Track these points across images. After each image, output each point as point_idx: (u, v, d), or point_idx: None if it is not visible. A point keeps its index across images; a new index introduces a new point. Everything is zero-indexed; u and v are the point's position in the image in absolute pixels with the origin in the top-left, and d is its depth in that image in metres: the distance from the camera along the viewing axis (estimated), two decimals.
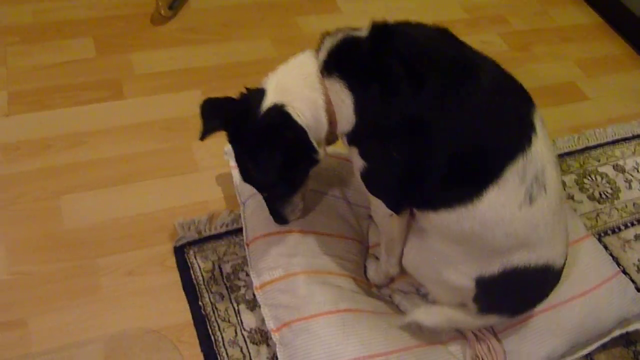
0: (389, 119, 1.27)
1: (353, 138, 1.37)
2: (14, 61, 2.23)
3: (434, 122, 1.25)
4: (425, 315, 1.49)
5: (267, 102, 1.34)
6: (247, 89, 1.41)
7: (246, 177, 1.46)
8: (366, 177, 1.39)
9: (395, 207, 1.42)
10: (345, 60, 1.32)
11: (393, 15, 2.73)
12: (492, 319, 1.48)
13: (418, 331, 1.55)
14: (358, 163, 1.38)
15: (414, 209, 1.44)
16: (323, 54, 1.34)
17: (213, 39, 2.47)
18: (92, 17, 2.45)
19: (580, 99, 2.58)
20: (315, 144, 1.35)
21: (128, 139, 2.04)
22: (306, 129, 1.33)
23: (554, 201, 1.30)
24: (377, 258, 1.73)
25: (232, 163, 1.76)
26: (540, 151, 1.27)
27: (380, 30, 1.32)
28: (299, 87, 1.33)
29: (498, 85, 1.31)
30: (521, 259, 1.31)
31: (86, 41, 2.34)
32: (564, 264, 1.41)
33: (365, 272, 1.72)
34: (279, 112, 1.32)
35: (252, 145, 1.34)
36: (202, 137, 1.38)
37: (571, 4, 3.13)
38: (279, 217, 1.57)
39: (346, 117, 1.33)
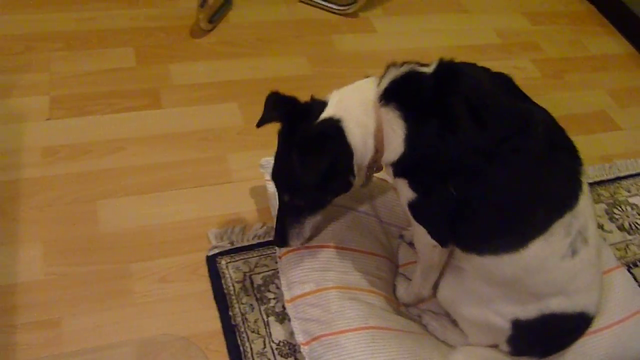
0: (446, 155, 1.30)
1: (401, 169, 1.39)
2: (57, 67, 2.28)
3: (489, 167, 1.28)
4: (465, 358, 1.52)
5: (327, 113, 1.39)
6: (312, 97, 1.46)
7: (281, 173, 1.48)
8: (415, 208, 1.41)
9: (442, 239, 1.43)
10: (405, 92, 1.35)
11: (428, 36, 2.81)
12: None
13: (446, 351, 1.55)
14: (407, 194, 1.39)
15: (458, 249, 1.46)
16: (384, 83, 1.38)
17: (250, 54, 2.51)
18: (133, 27, 2.50)
19: (612, 129, 2.58)
20: (355, 168, 1.39)
21: (165, 147, 2.08)
22: (353, 150, 1.36)
23: (593, 253, 1.37)
24: (407, 278, 1.74)
25: (267, 176, 1.79)
26: (584, 207, 1.33)
27: (447, 69, 1.36)
28: (355, 111, 1.37)
29: (552, 140, 1.35)
30: (558, 305, 1.36)
31: (127, 50, 2.40)
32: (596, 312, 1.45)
33: (394, 290, 1.73)
34: (335, 126, 1.36)
35: (303, 143, 1.36)
36: (260, 124, 1.46)
37: (604, 34, 3.13)
38: (281, 238, 1.56)
39: (394, 146, 1.35)
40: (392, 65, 1.40)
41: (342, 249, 1.67)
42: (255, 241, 1.83)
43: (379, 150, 1.39)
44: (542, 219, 1.31)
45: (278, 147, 1.47)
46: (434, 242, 1.44)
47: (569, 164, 1.35)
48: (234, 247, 1.81)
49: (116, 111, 2.17)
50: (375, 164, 1.44)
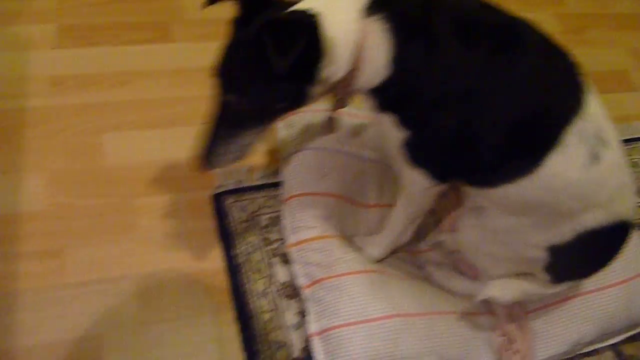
0: (437, 80, 1.20)
1: (387, 101, 1.27)
2: None
3: (485, 87, 1.20)
4: (501, 291, 1.45)
5: (302, 4, 1.19)
6: None
7: (233, 65, 1.26)
8: (412, 148, 1.30)
9: (443, 177, 1.35)
10: (396, 4, 1.19)
11: None
12: (564, 286, 1.44)
13: (450, 299, 1.55)
14: (398, 133, 1.28)
15: (470, 186, 1.38)
16: None
17: None
18: None
19: (631, 89, 2.51)
20: (319, 74, 1.19)
21: (172, 83, 2.03)
22: (325, 51, 1.16)
23: (617, 154, 1.26)
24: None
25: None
26: (594, 109, 1.23)
27: None
28: (339, 10, 1.18)
29: (543, 48, 1.26)
30: (594, 218, 1.26)
31: None
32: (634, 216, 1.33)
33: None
34: (312, 17, 1.14)
35: (276, 22, 1.12)
36: (208, 2, 1.28)
37: None
38: (206, 156, 1.34)
39: (377, 67, 1.20)
40: None
41: (346, 200, 1.66)
42: (263, 182, 1.80)
43: (356, 67, 1.21)
44: (550, 131, 1.21)
45: (232, 36, 1.27)
46: (431, 183, 1.35)
47: (565, 67, 1.25)
48: (241, 186, 1.78)
49: (125, 43, 2.11)
50: (343, 88, 1.27)
